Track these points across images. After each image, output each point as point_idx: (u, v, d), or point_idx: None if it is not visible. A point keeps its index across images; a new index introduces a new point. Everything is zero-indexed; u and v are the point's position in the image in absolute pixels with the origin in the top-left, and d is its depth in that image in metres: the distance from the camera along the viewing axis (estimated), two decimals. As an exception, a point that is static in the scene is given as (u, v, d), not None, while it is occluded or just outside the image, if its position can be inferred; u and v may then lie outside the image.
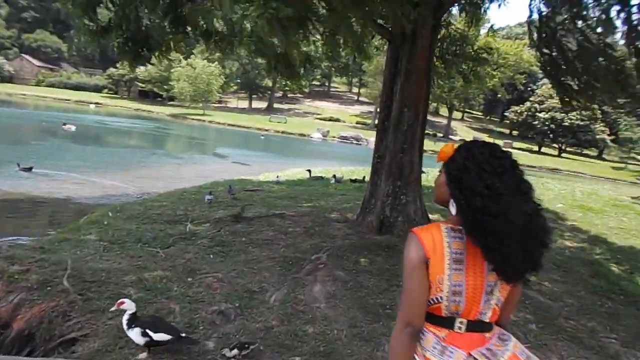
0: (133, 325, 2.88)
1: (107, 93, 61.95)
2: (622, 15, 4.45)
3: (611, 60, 4.79)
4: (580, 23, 4.97)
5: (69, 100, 50.07)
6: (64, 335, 3.23)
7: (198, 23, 5.21)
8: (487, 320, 1.52)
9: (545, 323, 3.89)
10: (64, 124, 23.50)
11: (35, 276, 3.69)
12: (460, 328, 1.50)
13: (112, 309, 3.09)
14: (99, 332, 3.17)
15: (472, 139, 1.68)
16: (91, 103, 49.25)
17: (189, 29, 5.31)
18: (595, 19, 4.78)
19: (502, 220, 1.39)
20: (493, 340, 1.52)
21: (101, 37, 5.24)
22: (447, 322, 1.50)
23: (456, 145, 1.58)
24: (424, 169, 6.36)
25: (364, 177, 9.74)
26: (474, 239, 1.43)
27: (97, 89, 62.24)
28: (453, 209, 1.50)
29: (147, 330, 2.86)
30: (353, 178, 10.79)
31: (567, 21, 5.08)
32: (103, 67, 63.60)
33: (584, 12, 4.97)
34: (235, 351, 2.87)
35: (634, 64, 4.64)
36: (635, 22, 4.41)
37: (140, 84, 59.53)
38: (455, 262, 1.46)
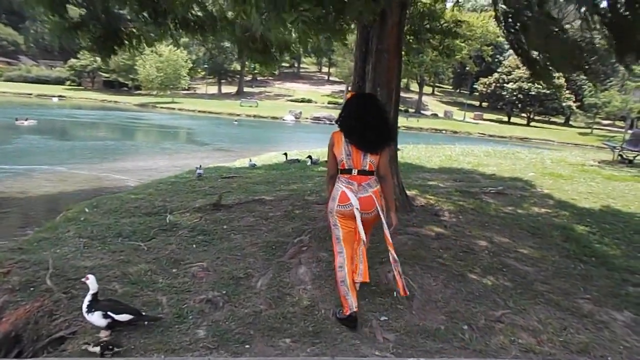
0: (93, 310, 2.97)
1: (70, 85, 60.00)
2: None
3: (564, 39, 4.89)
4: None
5: (30, 94, 48.31)
6: (52, 334, 3.20)
7: (176, 13, 5.08)
8: (367, 169, 3.24)
9: (523, 288, 4.06)
10: (16, 119, 22.30)
11: (16, 277, 3.63)
12: (355, 173, 3.23)
13: (83, 279, 3.14)
14: (87, 328, 3.16)
15: (359, 94, 3.94)
16: (54, 96, 47.66)
17: (169, 21, 5.17)
18: None
19: (347, 123, 3.27)
20: (372, 180, 3.27)
21: (74, 34, 5.06)
22: (348, 171, 3.25)
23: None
24: (399, 146, 6.44)
25: (340, 158, 9.79)
26: (343, 131, 3.28)
27: (59, 82, 60.15)
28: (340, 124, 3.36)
29: (109, 312, 2.95)
30: (329, 159, 10.82)
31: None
32: (63, 59, 61.39)
33: None
34: (97, 348, 2.88)
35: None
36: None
37: (104, 74, 57.84)
38: (346, 143, 3.22)
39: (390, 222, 3.34)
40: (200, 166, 8.99)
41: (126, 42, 5.37)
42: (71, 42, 5.26)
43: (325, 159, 11.82)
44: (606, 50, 4.62)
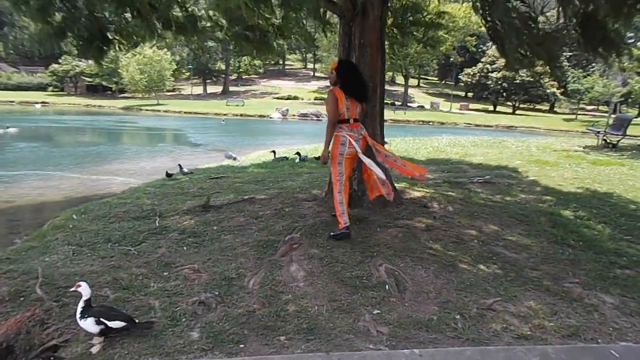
0: (86, 316, 2.97)
1: (52, 91, 59.17)
2: None
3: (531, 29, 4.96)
4: None
5: (12, 101, 47.60)
6: (44, 343, 3.17)
7: (159, 13, 5.05)
8: (358, 118, 4.51)
9: (513, 276, 4.10)
10: None
11: (5, 288, 3.60)
12: (351, 121, 4.44)
13: (72, 289, 3.13)
14: (80, 336, 3.14)
15: (345, 60, 5.08)
16: (36, 103, 46.99)
17: (155, 20, 5.12)
18: None
19: (347, 82, 4.46)
20: (361, 125, 4.56)
21: (58, 39, 4.98)
22: (347, 120, 4.43)
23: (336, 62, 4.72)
24: (386, 139, 6.46)
25: (328, 153, 9.84)
26: (343, 88, 4.43)
27: (41, 88, 59.24)
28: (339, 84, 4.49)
29: (102, 319, 2.95)
30: (317, 155, 10.84)
31: None
32: (45, 64, 60.42)
33: None
34: None
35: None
36: None
37: (87, 79, 57.10)
38: (346, 99, 4.39)
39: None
40: (180, 165, 9.62)
41: (116, 40, 5.32)
42: (55, 48, 5.20)
43: (314, 155, 11.83)
44: (578, 41, 4.68)
